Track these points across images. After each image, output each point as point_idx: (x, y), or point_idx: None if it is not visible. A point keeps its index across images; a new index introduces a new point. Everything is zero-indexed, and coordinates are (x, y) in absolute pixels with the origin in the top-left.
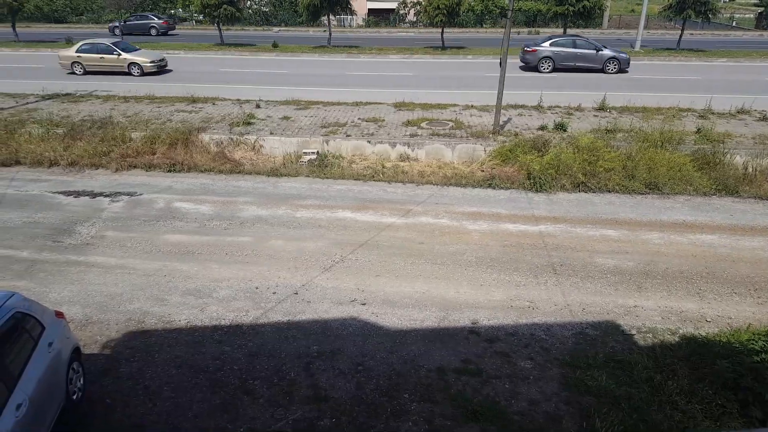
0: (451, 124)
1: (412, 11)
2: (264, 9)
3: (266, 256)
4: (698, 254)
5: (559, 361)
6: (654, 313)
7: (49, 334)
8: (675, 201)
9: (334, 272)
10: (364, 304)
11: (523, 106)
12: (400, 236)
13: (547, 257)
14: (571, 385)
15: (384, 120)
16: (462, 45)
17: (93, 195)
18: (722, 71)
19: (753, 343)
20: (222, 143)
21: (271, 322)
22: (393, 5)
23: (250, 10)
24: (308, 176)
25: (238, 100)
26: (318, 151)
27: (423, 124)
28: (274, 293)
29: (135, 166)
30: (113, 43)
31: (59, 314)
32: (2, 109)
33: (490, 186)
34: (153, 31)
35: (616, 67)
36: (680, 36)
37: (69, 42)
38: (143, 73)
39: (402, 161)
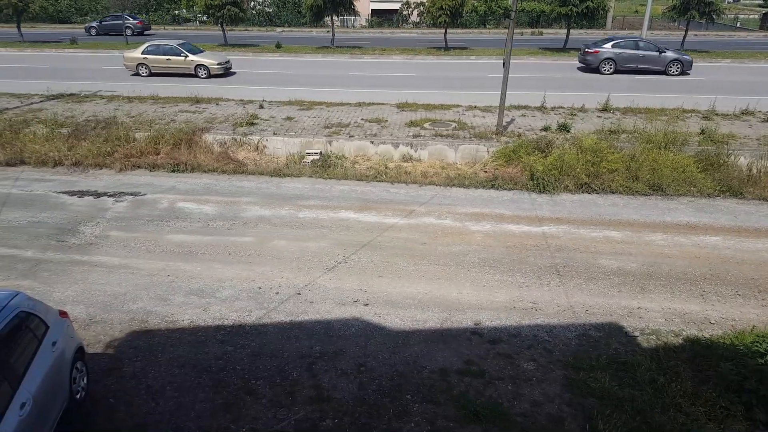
0: (454, 124)
1: (415, 12)
2: (267, 10)
3: (269, 256)
4: (702, 256)
5: (562, 362)
6: (657, 315)
7: (53, 333)
8: (679, 202)
9: (337, 273)
10: (366, 304)
11: (526, 107)
12: (402, 237)
13: (550, 258)
14: (574, 386)
15: (387, 121)
16: (465, 46)
17: (97, 195)
18: (726, 72)
19: (757, 345)
20: (225, 143)
21: (273, 322)
22: (396, 6)
23: (253, 11)
24: (311, 177)
25: (242, 100)
26: (321, 152)
27: (426, 125)
28: (277, 293)
29: (139, 166)
30: (179, 45)
31: (63, 314)
32: (7, 109)
33: (493, 187)
34: (128, 31)
35: (679, 69)
36: (684, 37)
37: (74, 42)
38: (210, 75)
39: (405, 162)
